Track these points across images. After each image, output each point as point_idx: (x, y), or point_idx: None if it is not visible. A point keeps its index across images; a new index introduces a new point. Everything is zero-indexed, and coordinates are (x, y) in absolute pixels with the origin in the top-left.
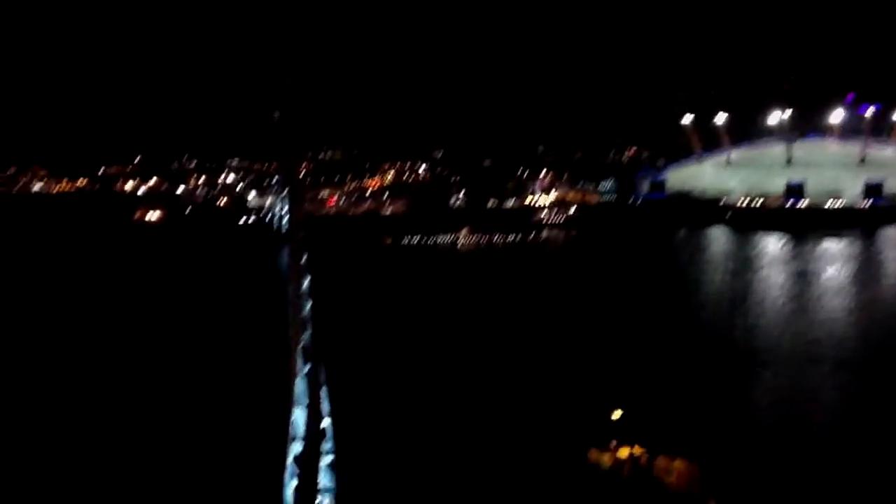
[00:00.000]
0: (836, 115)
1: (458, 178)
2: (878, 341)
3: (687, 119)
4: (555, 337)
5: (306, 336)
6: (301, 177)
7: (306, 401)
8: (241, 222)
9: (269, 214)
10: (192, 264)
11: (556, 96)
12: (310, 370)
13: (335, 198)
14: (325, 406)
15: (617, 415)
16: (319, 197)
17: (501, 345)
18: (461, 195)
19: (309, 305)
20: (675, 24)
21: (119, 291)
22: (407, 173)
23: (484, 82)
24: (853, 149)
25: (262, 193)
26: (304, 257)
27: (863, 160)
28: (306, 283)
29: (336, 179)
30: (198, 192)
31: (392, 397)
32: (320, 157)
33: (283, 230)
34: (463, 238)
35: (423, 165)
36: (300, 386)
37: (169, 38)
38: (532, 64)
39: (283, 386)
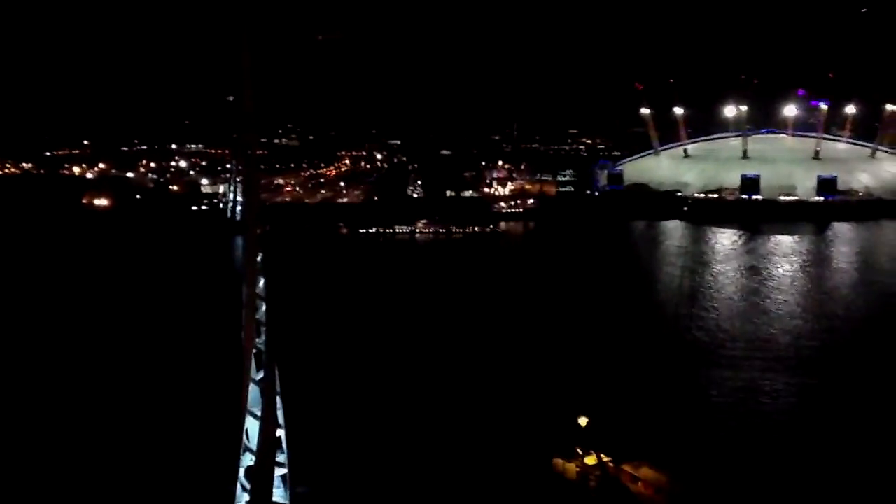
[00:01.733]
0: (790, 111)
1: (416, 167)
2: (830, 341)
3: (644, 111)
4: (514, 333)
5: (261, 340)
6: (257, 165)
7: (259, 409)
8: (194, 209)
9: (223, 201)
10: (141, 253)
11: (514, 86)
12: (264, 376)
13: (291, 185)
14: (279, 415)
15: (583, 422)
16: (275, 184)
17: (461, 343)
18: (419, 184)
19: (264, 308)
20: (633, 17)
21: (60, 284)
22: (364, 161)
23: (442, 72)
24: (807, 144)
25: (215, 180)
26: (260, 256)
27: (816, 155)
28: (261, 284)
29: (292, 166)
30: (148, 177)
31: (351, 404)
32: (276, 142)
33: (238, 217)
34: (421, 228)
35: (381, 154)
36: (253, 393)
37: (122, 19)
38: (490, 54)
39: (234, 393)
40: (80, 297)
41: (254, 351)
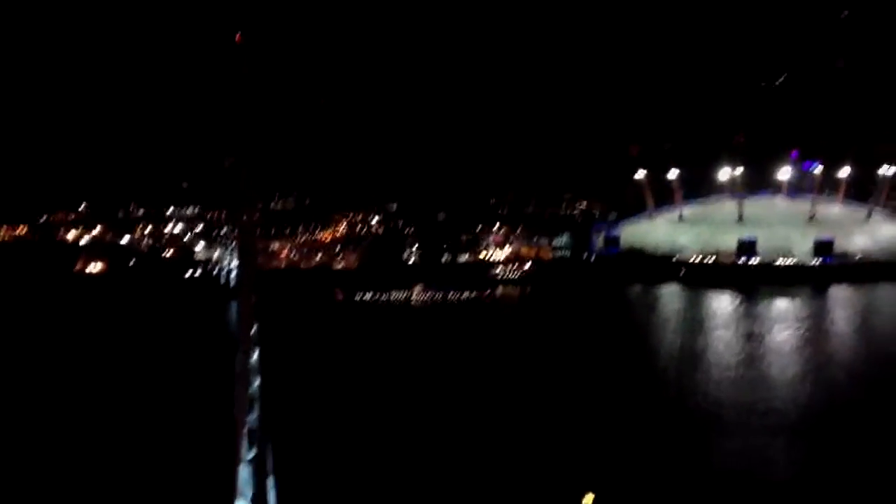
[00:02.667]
0: (784, 173)
1: (412, 231)
2: (829, 409)
3: (639, 174)
4: (514, 403)
5: (253, 417)
6: (253, 231)
7: (251, 491)
8: (188, 275)
9: (218, 267)
10: (133, 321)
11: (509, 149)
12: (255, 456)
13: (286, 250)
14: (271, 498)
15: (589, 500)
16: (270, 249)
17: (460, 414)
18: (415, 249)
19: (258, 382)
20: (626, 78)
21: (51, 351)
22: (360, 225)
23: (437, 135)
24: (802, 206)
25: (210, 244)
26: (255, 327)
27: (812, 217)
28: (255, 356)
29: (287, 231)
30: (143, 242)
31: (346, 487)
32: (271, 206)
33: (232, 284)
34: (417, 294)
35: (377, 217)
36: (244, 474)
37: (118, 81)
38: (484, 116)
39: (225, 473)
40: (64, 368)
41: (246, 428)
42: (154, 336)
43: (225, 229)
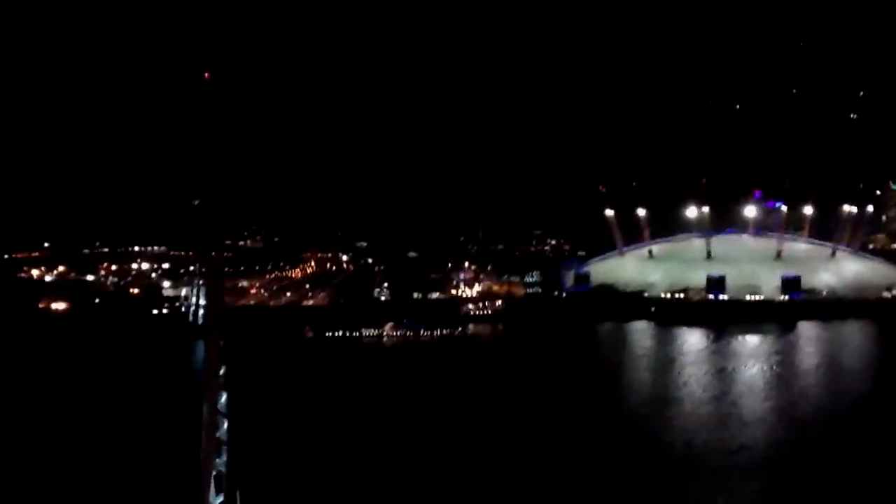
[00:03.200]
0: (749, 211)
1: (382, 268)
2: (798, 445)
3: (608, 212)
4: (483, 441)
5: (221, 462)
6: (221, 269)
7: None
8: (154, 313)
9: (185, 305)
10: (96, 361)
11: (477, 187)
12: (223, 502)
13: (255, 288)
14: None
15: None
16: (239, 286)
17: (432, 452)
18: (385, 287)
19: (225, 426)
20: (592, 117)
21: (12, 389)
22: (330, 263)
23: (406, 172)
24: (768, 244)
25: (177, 283)
26: (222, 370)
27: (779, 255)
28: (223, 399)
29: (256, 268)
30: (108, 280)
31: None
32: (240, 244)
33: (200, 322)
34: (388, 331)
35: (346, 256)
36: None
37: (86, 120)
38: (453, 154)
39: None
40: (25, 406)
41: (213, 473)
42: (119, 374)
43: (192, 267)
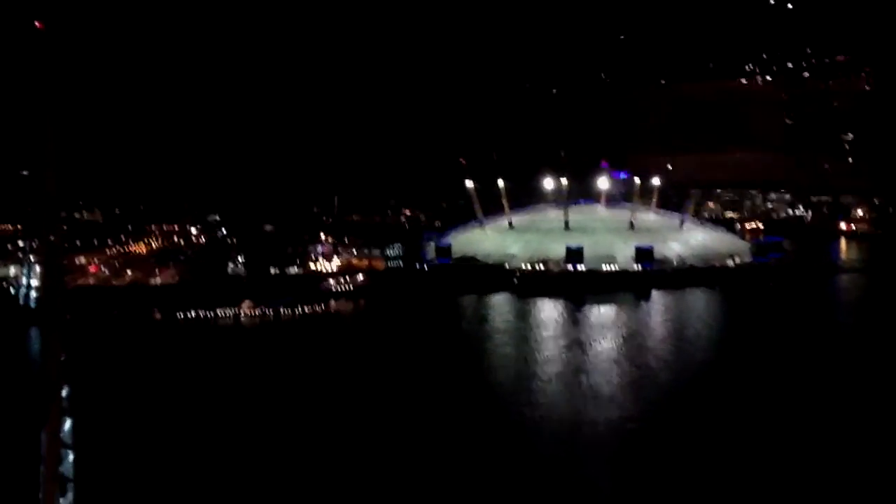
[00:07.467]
0: (602, 182)
1: (236, 242)
2: (649, 411)
3: (468, 183)
4: (346, 417)
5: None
6: (58, 249)
7: None
8: None
9: (15, 286)
10: None
11: (331, 155)
12: None
13: (95, 266)
14: None
15: None
16: (77, 264)
17: (291, 435)
18: (240, 261)
19: (71, 458)
20: (454, 88)
21: None
22: (177, 237)
23: (257, 141)
24: (621, 214)
25: (5, 261)
26: (65, 390)
27: (631, 225)
28: (68, 425)
29: (95, 243)
30: None
31: None
32: (76, 216)
33: (33, 305)
34: (246, 310)
35: (196, 229)
36: None
37: None
38: (308, 122)
39: None
40: None
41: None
42: None
43: (22, 243)
